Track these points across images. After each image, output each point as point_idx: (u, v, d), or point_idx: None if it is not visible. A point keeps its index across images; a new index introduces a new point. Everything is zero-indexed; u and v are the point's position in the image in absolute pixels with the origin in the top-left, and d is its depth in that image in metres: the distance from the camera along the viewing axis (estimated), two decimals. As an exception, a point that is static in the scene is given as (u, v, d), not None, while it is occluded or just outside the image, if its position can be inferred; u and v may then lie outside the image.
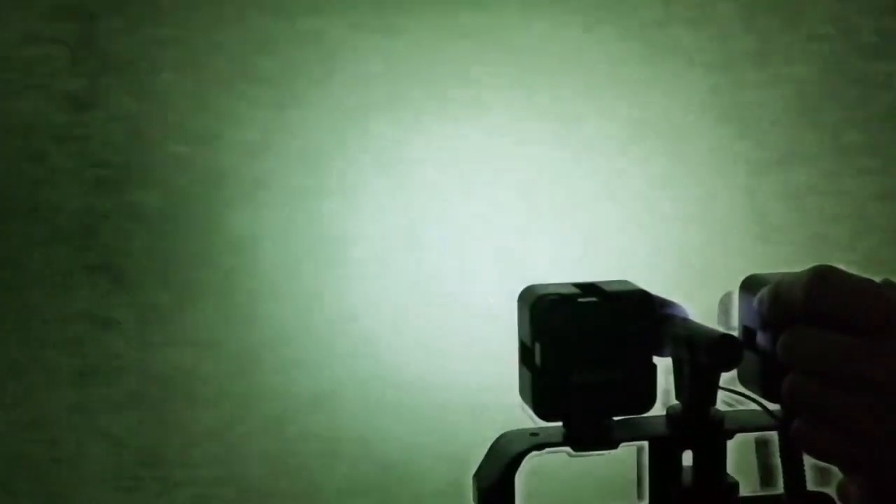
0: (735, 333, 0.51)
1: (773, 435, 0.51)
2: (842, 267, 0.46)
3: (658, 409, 0.51)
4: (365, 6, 0.96)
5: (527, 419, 0.51)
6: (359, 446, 1.00)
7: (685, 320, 0.52)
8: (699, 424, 0.50)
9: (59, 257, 0.97)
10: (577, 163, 0.98)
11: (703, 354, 0.48)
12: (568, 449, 0.49)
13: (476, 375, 0.98)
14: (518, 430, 0.50)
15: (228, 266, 0.99)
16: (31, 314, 0.98)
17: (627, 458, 0.53)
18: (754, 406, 0.52)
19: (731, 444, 0.52)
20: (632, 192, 0.99)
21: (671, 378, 0.51)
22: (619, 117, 0.98)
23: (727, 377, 0.54)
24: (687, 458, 0.51)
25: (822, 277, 0.45)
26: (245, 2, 0.95)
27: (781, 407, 0.49)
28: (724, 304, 0.54)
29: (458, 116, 0.97)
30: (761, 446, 0.54)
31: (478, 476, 0.49)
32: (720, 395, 0.52)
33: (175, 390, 0.99)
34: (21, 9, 0.92)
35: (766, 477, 0.54)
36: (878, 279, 0.46)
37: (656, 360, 0.51)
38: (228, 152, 0.97)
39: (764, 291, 0.48)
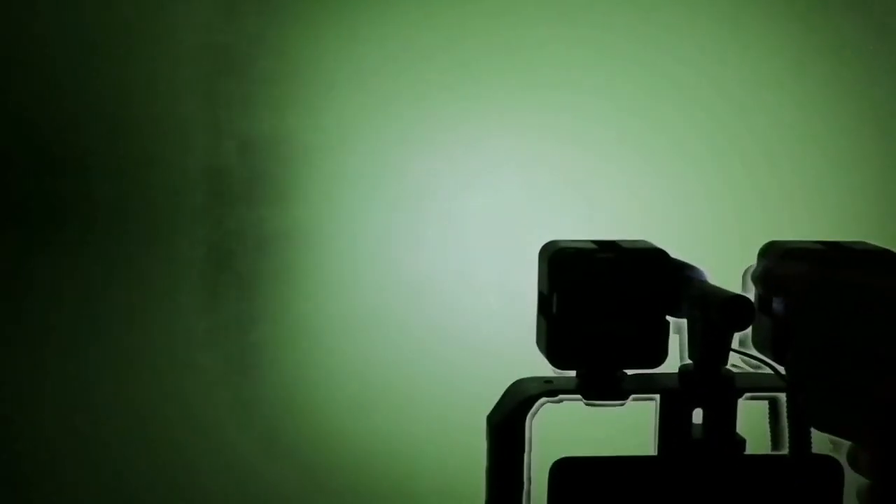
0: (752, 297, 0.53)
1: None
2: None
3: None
4: (366, 5, 0.96)
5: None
6: (354, 446, 1.02)
7: (702, 282, 0.54)
8: (710, 382, 0.52)
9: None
10: (582, 157, 0.99)
11: (715, 313, 0.50)
12: (581, 399, 0.51)
13: (479, 374, 0.99)
14: (533, 377, 0.52)
15: (224, 267, 1.00)
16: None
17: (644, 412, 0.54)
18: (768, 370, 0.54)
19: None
20: (640, 186, 0.99)
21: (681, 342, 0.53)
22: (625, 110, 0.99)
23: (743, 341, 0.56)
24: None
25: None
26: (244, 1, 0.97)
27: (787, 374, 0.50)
28: (748, 273, 0.56)
29: (459, 111, 0.98)
30: (773, 409, 0.55)
31: (491, 416, 0.51)
32: (733, 357, 0.54)
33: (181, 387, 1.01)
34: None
35: (777, 440, 0.55)
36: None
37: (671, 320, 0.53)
38: (225, 151, 0.98)
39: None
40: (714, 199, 0.98)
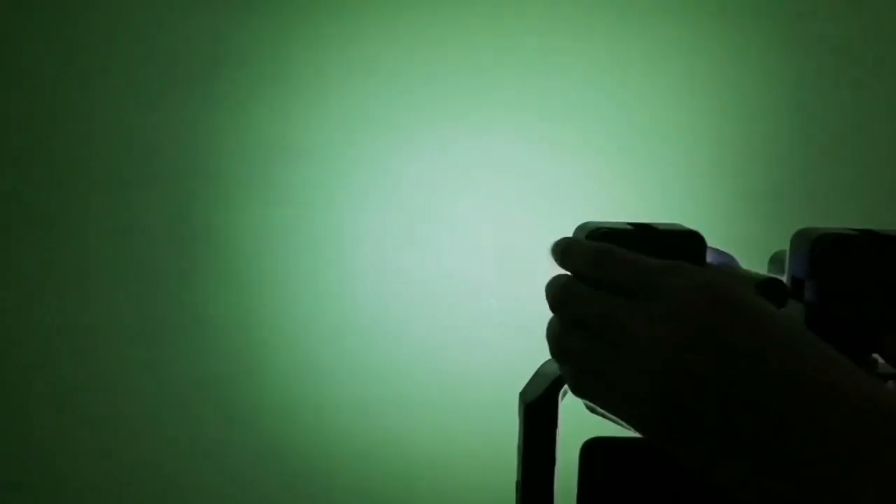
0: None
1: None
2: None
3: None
4: (364, 9, 0.97)
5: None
6: (356, 447, 1.02)
7: (734, 267, 0.54)
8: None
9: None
10: (580, 159, 0.99)
11: (749, 296, 0.50)
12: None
13: (480, 374, 0.99)
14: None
15: (226, 268, 1.01)
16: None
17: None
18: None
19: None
20: (640, 187, 1.00)
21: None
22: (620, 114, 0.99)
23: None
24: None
25: (602, 252, 0.47)
26: (243, 3, 0.98)
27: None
28: (776, 259, 0.56)
29: (458, 112, 0.98)
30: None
31: (523, 393, 0.52)
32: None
33: (175, 403, 1.02)
34: None
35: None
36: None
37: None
38: (228, 153, 0.99)
39: (555, 244, 0.50)
40: (718, 196, 0.99)
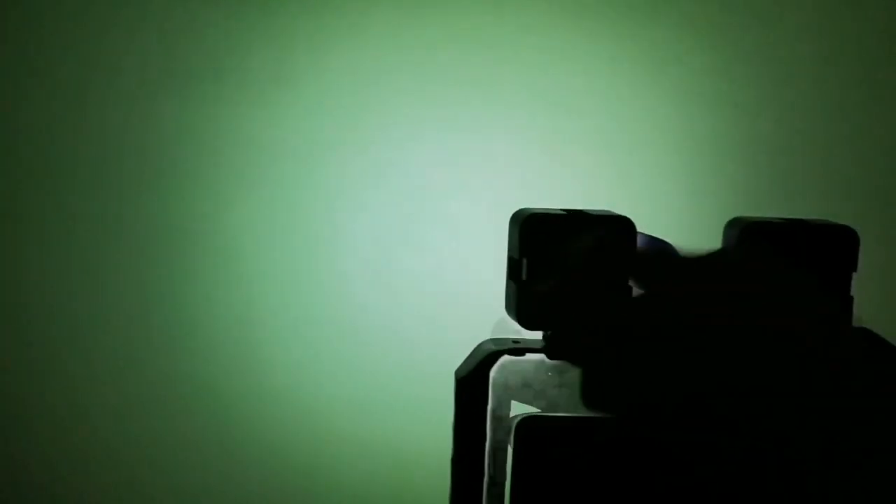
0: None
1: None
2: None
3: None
4: (361, 5, 0.98)
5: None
6: (351, 447, 1.02)
7: (671, 253, 0.56)
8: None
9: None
10: (581, 158, 1.00)
11: (678, 281, 0.52)
12: (544, 357, 0.53)
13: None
14: (501, 337, 0.54)
15: (224, 267, 1.00)
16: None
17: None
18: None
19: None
20: (638, 189, 1.00)
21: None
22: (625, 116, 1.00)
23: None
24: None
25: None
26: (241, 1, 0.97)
27: None
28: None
29: (457, 114, 0.99)
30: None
31: (457, 370, 0.53)
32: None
33: (174, 392, 1.02)
34: None
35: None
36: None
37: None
38: (224, 152, 0.98)
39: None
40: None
